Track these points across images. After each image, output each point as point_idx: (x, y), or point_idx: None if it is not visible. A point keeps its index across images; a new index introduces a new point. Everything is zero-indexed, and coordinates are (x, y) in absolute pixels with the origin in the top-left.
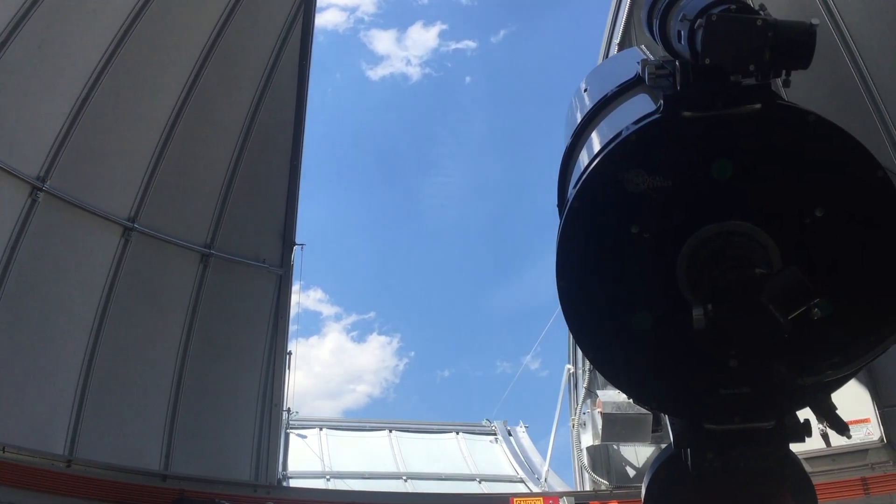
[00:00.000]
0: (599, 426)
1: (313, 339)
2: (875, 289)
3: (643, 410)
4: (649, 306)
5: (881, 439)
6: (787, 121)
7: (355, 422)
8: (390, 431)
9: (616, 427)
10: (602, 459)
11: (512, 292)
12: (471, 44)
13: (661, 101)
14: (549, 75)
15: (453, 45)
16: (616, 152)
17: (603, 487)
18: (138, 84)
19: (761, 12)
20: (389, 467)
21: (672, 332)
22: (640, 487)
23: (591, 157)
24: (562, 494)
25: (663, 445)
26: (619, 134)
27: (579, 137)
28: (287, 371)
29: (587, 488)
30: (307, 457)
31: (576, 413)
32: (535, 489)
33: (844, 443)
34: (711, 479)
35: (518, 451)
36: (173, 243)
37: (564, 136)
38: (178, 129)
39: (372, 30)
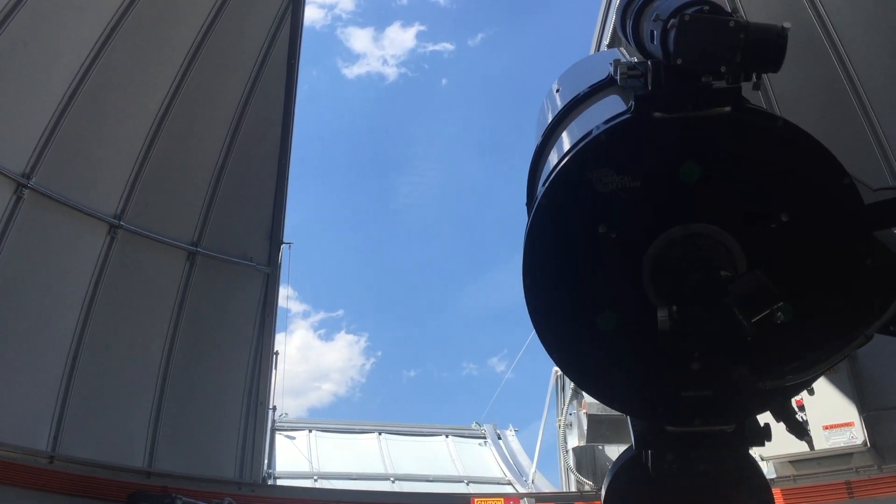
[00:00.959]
0: (585, 427)
1: (280, 336)
2: (838, 295)
3: None
4: (614, 307)
5: (864, 443)
6: (756, 125)
7: (345, 424)
8: (380, 434)
9: (601, 428)
10: (588, 460)
11: (481, 293)
12: (448, 46)
13: (632, 102)
14: (525, 80)
15: (431, 47)
16: (585, 151)
17: (587, 488)
18: (125, 82)
19: (734, 14)
20: (378, 469)
21: (636, 334)
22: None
23: (561, 156)
24: (522, 495)
25: None
26: (589, 133)
27: (549, 137)
28: (274, 370)
29: (573, 489)
30: (295, 458)
31: (562, 414)
32: (523, 490)
33: (829, 446)
34: (671, 482)
35: (507, 453)
36: (160, 241)
37: (535, 136)
38: (165, 127)
39: (349, 27)
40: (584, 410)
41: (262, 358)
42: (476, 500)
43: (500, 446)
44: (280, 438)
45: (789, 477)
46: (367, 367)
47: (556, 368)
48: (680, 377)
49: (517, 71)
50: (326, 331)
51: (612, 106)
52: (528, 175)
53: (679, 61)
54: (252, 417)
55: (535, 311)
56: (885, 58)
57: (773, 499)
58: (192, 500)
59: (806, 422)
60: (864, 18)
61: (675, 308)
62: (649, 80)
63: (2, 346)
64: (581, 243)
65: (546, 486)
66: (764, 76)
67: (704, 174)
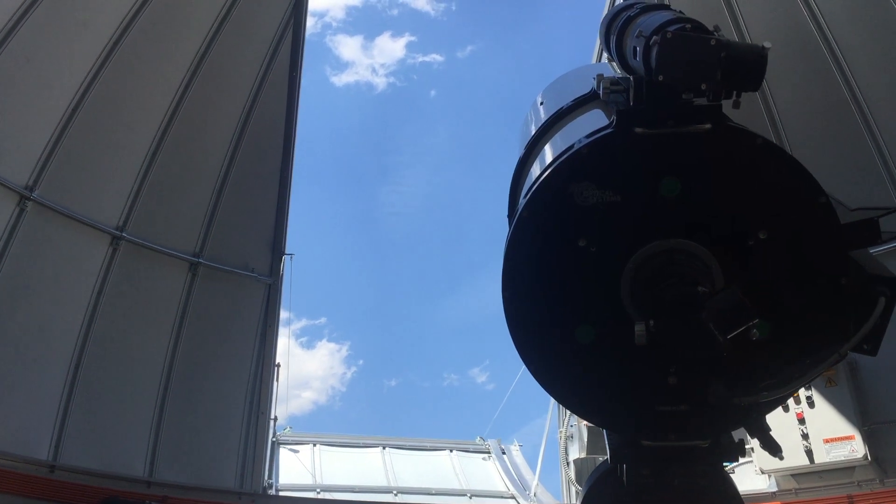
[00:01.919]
0: (585, 438)
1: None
2: (813, 313)
3: None
4: (593, 320)
5: (865, 456)
6: (736, 142)
7: (349, 438)
8: (384, 448)
9: (602, 440)
10: (588, 472)
11: (463, 304)
12: (438, 57)
13: (614, 117)
14: (514, 93)
15: (420, 58)
16: (567, 164)
17: None
18: (128, 95)
19: (715, 33)
20: (381, 482)
21: (614, 347)
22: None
23: (543, 168)
24: None
25: None
26: (571, 147)
27: (532, 149)
28: (275, 382)
29: (573, 501)
30: (298, 471)
31: (563, 426)
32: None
33: (829, 460)
34: (646, 496)
35: (511, 468)
36: (162, 252)
37: (518, 148)
38: (167, 139)
39: (339, 35)
40: (585, 422)
41: (263, 368)
42: None
43: (504, 461)
44: (283, 452)
45: (791, 490)
46: (348, 375)
47: None
48: (656, 391)
49: (506, 84)
50: (308, 338)
51: (594, 120)
52: (510, 187)
53: (661, 77)
54: (253, 428)
55: (513, 322)
56: (887, 65)
57: None
58: None
59: (806, 435)
60: (864, 28)
61: (651, 322)
62: (631, 95)
63: (4, 357)
64: (561, 256)
65: (548, 499)
66: (766, 87)
67: (684, 190)
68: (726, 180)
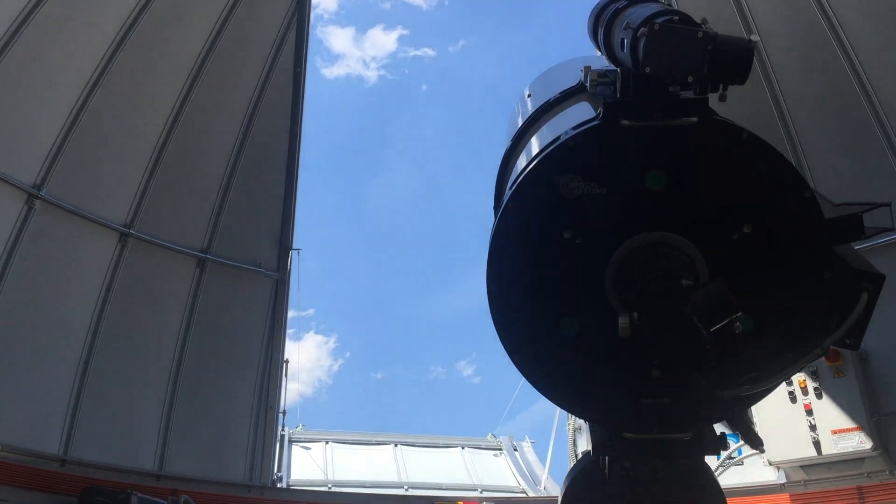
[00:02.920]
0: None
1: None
2: (796, 307)
3: None
4: (577, 312)
5: (873, 447)
6: (721, 136)
7: (361, 436)
8: (396, 446)
9: None
10: None
11: (450, 297)
12: (430, 51)
13: (601, 109)
14: (505, 88)
15: (412, 52)
16: (553, 156)
17: None
18: (134, 92)
19: (703, 25)
20: (392, 478)
21: (598, 340)
22: None
23: (529, 160)
24: (483, 499)
25: None
26: (558, 138)
27: (519, 141)
28: (284, 377)
29: None
30: (310, 468)
31: (571, 419)
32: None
33: (837, 451)
34: (628, 488)
35: (522, 464)
36: (170, 248)
37: (506, 140)
38: (174, 136)
39: (329, 26)
40: None
41: (271, 362)
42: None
43: (516, 457)
44: (296, 450)
45: (800, 482)
46: (335, 368)
47: None
48: (640, 384)
49: (497, 79)
50: (296, 330)
51: (581, 112)
52: (496, 178)
53: (647, 69)
54: (262, 421)
55: (497, 313)
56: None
57: None
58: (149, 497)
59: (814, 426)
60: (873, 16)
61: (635, 315)
62: (618, 87)
63: (15, 354)
64: (546, 248)
65: (558, 492)
66: (775, 80)
67: (669, 183)
68: (712, 174)
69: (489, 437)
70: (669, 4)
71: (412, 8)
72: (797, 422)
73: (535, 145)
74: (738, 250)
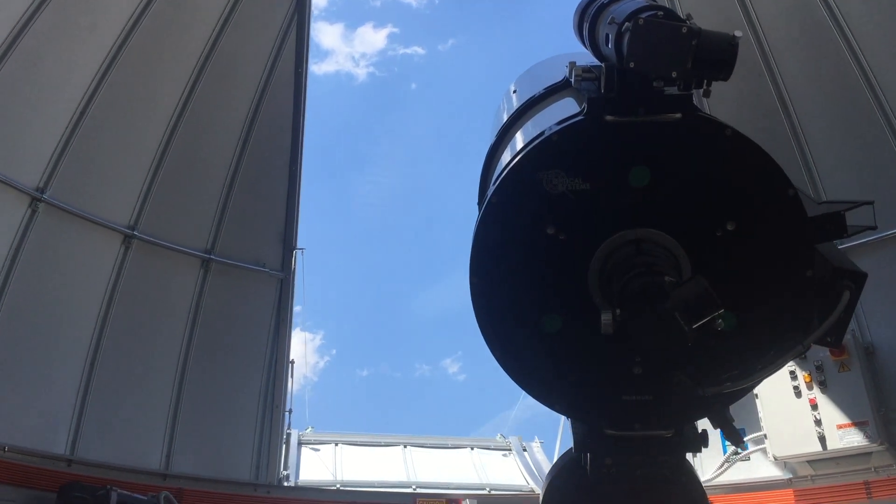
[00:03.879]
0: None
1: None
2: (778, 305)
3: None
4: (560, 308)
5: (880, 442)
6: (705, 133)
7: (370, 437)
8: (405, 447)
9: None
10: None
11: (436, 295)
12: (419, 50)
13: (585, 104)
14: (494, 87)
15: (402, 50)
16: (537, 151)
17: None
18: (136, 94)
19: (687, 21)
20: (401, 478)
21: (581, 336)
22: None
23: (513, 155)
24: (464, 496)
25: None
26: (542, 134)
27: (503, 137)
28: (290, 379)
29: None
30: (319, 469)
31: None
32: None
33: (843, 446)
34: (609, 485)
35: (531, 464)
36: (174, 249)
37: (490, 136)
38: (176, 137)
39: (318, 22)
40: None
41: (277, 361)
42: (419, 500)
43: (525, 457)
44: (305, 451)
45: (807, 477)
46: (321, 365)
47: None
48: (622, 381)
49: (486, 78)
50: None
51: (566, 108)
52: (480, 174)
53: (631, 65)
54: (268, 421)
55: (480, 308)
56: None
57: None
58: (128, 493)
59: (819, 421)
60: (878, 9)
61: (618, 311)
62: (602, 83)
63: (21, 356)
64: (529, 244)
65: None
66: (778, 73)
67: (653, 179)
68: (695, 170)
69: (498, 437)
70: (655, 0)
71: (402, 6)
72: (802, 417)
73: (519, 141)
74: (722, 247)
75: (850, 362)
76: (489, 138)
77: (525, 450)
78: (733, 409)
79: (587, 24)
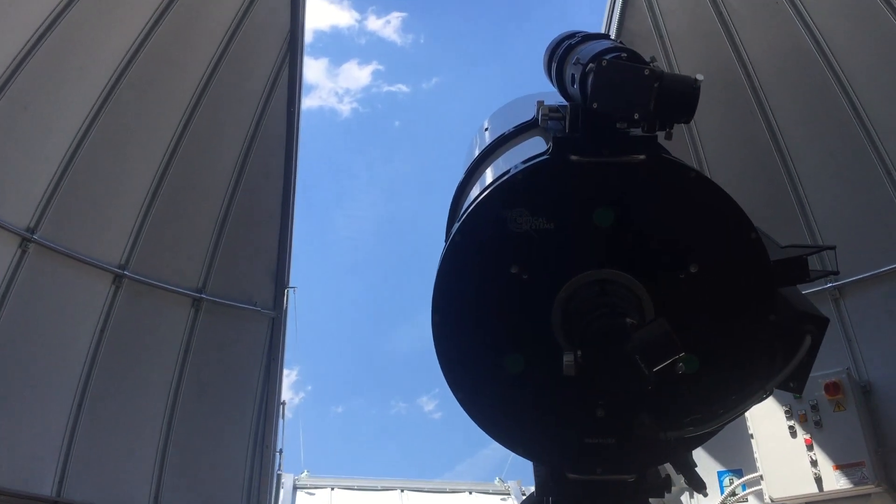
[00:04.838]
0: None
1: None
2: (741, 348)
3: None
4: (522, 349)
5: (877, 483)
6: (669, 175)
7: (367, 481)
8: (402, 491)
9: None
10: None
11: (413, 331)
12: (403, 87)
13: (550, 143)
14: (476, 126)
15: (386, 87)
16: (501, 190)
17: None
18: (127, 135)
19: (650, 63)
20: None
21: (543, 377)
22: None
23: (478, 193)
24: None
25: None
26: (507, 172)
27: (472, 174)
28: (282, 418)
29: None
30: None
31: None
32: None
33: (840, 487)
34: None
35: None
36: (165, 289)
37: (461, 172)
38: (168, 177)
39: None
40: None
41: (268, 400)
42: None
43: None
44: (301, 496)
45: None
46: (296, 401)
47: None
48: (584, 423)
49: (470, 116)
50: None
51: (534, 146)
52: (448, 210)
53: (595, 105)
54: (258, 460)
55: (441, 347)
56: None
57: None
58: None
59: (815, 462)
60: (866, 47)
61: (580, 353)
62: (567, 123)
63: (8, 396)
64: (492, 283)
65: None
66: (768, 105)
67: (617, 220)
68: (659, 212)
69: (497, 481)
70: (621, 43)
71: (388, 44)
72: (798, 457)
73: (488, 177)
74: (685, 289)
75: (846, 402)
76: (460, 174)
77: (524, 494)
78: (730, 449)
79: (555, 63)
